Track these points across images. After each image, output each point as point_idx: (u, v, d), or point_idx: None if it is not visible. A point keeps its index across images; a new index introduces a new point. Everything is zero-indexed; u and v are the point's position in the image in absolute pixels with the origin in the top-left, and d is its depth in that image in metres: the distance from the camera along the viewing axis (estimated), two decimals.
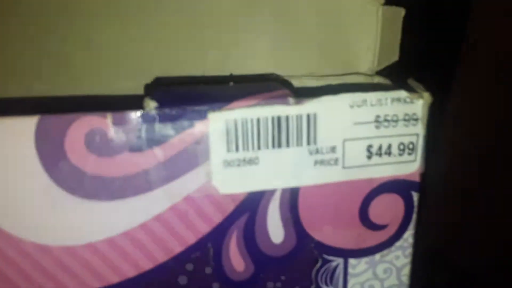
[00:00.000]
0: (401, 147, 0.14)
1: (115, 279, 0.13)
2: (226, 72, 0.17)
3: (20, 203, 0.12)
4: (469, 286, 0.32)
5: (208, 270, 0.14)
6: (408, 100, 0.14)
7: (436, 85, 0.15)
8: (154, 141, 0.12)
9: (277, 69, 0.18)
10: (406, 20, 0.18)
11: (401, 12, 0.17)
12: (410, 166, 0.14)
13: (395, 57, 0.18)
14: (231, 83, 0.14)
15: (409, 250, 0.16)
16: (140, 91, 0.16)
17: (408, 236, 0.15)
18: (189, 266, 0.13)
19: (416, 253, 0.16)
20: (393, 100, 0.14)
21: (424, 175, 0.15)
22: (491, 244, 0.31)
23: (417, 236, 0.16)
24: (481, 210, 0.32)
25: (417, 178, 0.15)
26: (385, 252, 0.15)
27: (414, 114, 0.14)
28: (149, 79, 0.16)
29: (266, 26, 0.17)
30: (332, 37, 0.17)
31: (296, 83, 0.17)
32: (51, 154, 0.11)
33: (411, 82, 0.15)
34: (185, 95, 0.13)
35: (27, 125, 0.11)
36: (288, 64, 0.17)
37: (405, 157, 0.14)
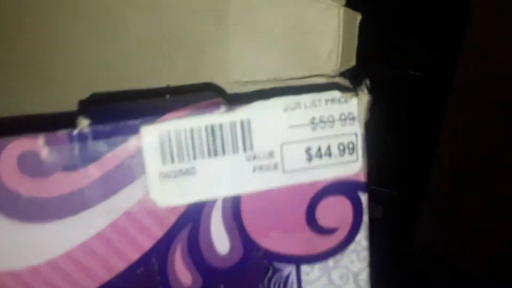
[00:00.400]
0: (341, 147, 0.14)
1: None
2: (193, 81, 0.18)
3: None
4: (469, 286, 0.32)
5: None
6: (342, 99, 0.14)
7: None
8: (88, 159, 0.12)
9: (243, 75, 0.18)
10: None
11: (357, 16, 0.18)
12: (353, 167, 0.15)
13: (353, 61, 0.19)
14: (167, 96, 0.15)
15: (363, 254, 0.15)
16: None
17: (361, 239, 0.15)
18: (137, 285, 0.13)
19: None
20: (327, 100, 0.14)
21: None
22: (492, 244, 0.31)
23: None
24: (481, 210, 0.32)
25: (362, 178, 0.15)
26: (338, 257, 0.15)
27: (350, 113, 0.14)
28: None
29: (231, 32, 0.17)
30: (295, 41, 0.18)
31: (258, 87, 0.17)
32: None
33: (346, 82, 0.15)
34: (119, 110, 0.13)
35: None
36: (254, 69, 0.18)
37: (346, 157, 0.14)
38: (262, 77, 0.18)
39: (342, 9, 0.17)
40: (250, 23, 0.17)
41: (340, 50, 0.17)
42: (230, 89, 0.18)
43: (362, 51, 0.19)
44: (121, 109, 0.13)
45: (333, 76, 0.17)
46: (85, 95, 0.16)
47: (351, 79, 0.17)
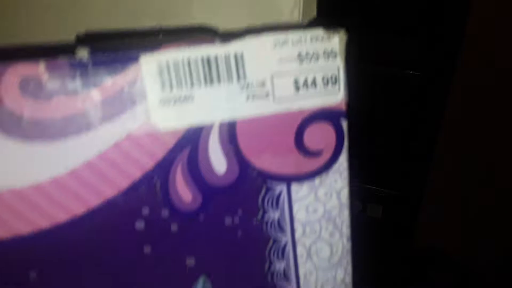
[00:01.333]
0: (325, 80, 0.16)
1: (64, 217, 0.14)
2: None
3: None
4: (469, 286, 0.32)
5: (164, 213, 0.15)
6: (325, 37, 0.15)
7: None
8: (89, 84, 0.13)
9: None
10: None
11: None
12: (336, 96, 0.16)
13: (313, 13, 0.20)
14: (160, 35, 0.15)
15: (344, 174, 0.17)
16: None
17: (343, 160, 0.17)
18: (145, 210, 0.15)
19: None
20: (312, 38, 0.15)
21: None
22: (492, 244, 0.32)
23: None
24: (481, 210, 0.32)
25: (343, 107, 0.16)
26: (323, 176, 0.17)
27: (333, 49, 0.15)
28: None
29: None
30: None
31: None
32: None
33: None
34: (116, 43, 0.14)
35: None
36: (219, 24, 0.19)
37: (330, 88, 0.16)
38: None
39: None
40: None
41: (301, 4, 0.18)
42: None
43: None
44: (118, 42, 0.14)
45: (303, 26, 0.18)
46: (80, 26, 0.17)
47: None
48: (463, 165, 0.33)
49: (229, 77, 0.14)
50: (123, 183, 0.14)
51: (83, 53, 0.13)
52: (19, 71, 0.12)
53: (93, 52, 0.13)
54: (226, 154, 0.15)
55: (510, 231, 0.32)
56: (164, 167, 0.15)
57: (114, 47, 0.14)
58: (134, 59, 0.13)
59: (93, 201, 0.14)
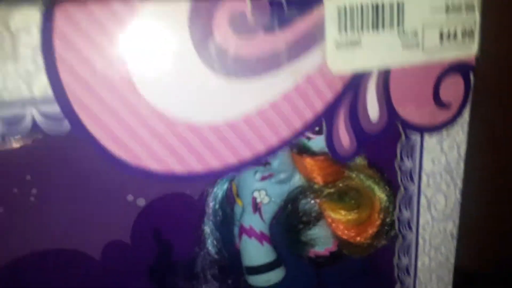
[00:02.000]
0: (464, 33, 0.17)
1: (248, 154, 0.14)
2: None
3: (173, 82, 0.13)
4: (469, 286, 0.32)
5: None
6: None
7: None
8: (284, 22, 0.13)
9: None
10: None
11: None
12: (470, 50, 0.17)
13: None
14: None
15: (465, 128, 0.18)
16: None
17: (466, 113, 0.18)
18: None
19: None
20: None
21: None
22: (491, 243, 0.33)
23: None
24: (481, 210, 0.33)
25: (473, 61, 0.17)
26: (449, 129, 0.18)
27: (472, 2, 0.17)
28: None
29: None
30: None
31: None
32: (201, 36, 0.12)
33: None
34: None
35: (180, 9, 0.12)
36: None
37: (467, 41, 0.17)
38: None
39: None
40: None
41: None
42: None
43: None
44: None
45: None
46: None
47: None
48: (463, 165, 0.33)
49: (391, 24, 0.15)
50: (297, 124, 0.14)
51: None
52: (229, 7, 0.12)
53: None
54: (379, 102, 0.16)
55: (510, 231, 0.33)
56: (330, 111, 0.15)
57: None
58: (320, 1, 0.14)
59: (272, 142, 0.14)
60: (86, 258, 0.21)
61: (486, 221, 0.32)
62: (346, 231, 0.20)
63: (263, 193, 0.20)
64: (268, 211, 0.20)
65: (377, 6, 0.15)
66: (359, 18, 0.14)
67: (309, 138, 0.19)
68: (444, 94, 0.17)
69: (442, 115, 0.17)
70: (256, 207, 0.20)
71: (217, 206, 0.22)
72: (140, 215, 0.21)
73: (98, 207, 0.20)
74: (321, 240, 0.21)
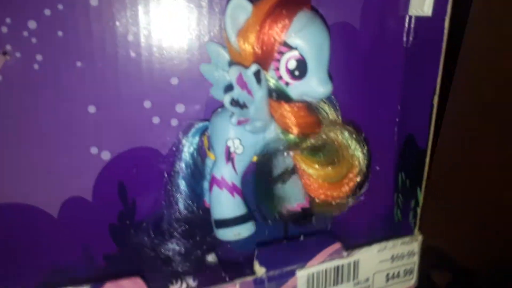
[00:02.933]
0: (406, 272, 0.21)
1: None
2: None
3: None
4: (469, 286, 0.33)
5: None
6: (409, 241, 0.21)
7: None
8: None
9: None
10: None
11: None
12: (409, 282, 0.22)
13: None
14: (301, 237, 0.20)
15: None
16: None
17: None
18: None
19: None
20: (402, 243, 0.21)
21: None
22: (492, 244, 0.33)
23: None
24: (481, 210, 0.32)
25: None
26: None
27: (413, 250, 0.21)
28: None
29: None
30: None
31: None
32: None
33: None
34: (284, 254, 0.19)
35: None
36: None
37: (407, 277, 0.22)
38: None
39: None
40: None
41: None
42: None
43: None
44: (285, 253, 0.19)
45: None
46: None
47: None
48: (463, 165, 0.33)
49: (348, 278, 0.20)
50: None
51: (261, 272, 0.17)
52: None
53: (268, 270, 0.18)
54: None
55: (510, 230, 0.32)
56: None
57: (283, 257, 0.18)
58: (293, 273, 0.18)
59: None
60: (42, 215, 0.20)
61: (486, 221, 0.32)
62: (318, 188, 0.20)
63: (237, 142, 0.19)
64: (241, 162, 0.20)
65: (337, 267, 0.19)
66: (323, 279, 0.19)
67: (287, 84, 0.18)
68: None
69: None
70: (229, 157, 0.19)
71: (187, 160, 0.21)
72: (104, 169, 0.20)
73: (57, 158, 0.19)
74: (293, 195, 0.20)
